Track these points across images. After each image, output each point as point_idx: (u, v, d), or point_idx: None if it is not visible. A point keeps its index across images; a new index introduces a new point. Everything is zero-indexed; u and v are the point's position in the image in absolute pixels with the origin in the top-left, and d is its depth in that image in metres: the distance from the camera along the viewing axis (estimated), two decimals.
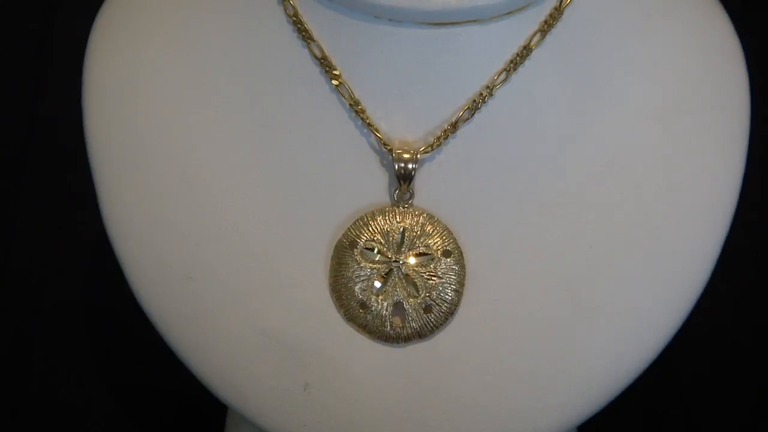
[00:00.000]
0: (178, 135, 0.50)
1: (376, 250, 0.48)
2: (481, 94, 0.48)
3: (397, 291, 0.48)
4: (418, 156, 0.48)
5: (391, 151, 0.48)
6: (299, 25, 0.49)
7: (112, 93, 0.51)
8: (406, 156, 0.48)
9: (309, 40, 0.49)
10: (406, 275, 0.48)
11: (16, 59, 0.85)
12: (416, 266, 0.48)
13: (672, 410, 0.71)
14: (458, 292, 0.48)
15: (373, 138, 0.48)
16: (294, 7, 0.49)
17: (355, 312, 0.48)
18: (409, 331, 0.48)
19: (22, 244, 0.70)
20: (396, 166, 0.48)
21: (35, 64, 0.85)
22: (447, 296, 0.48)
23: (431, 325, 0.48)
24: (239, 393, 0.49)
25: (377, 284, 0.48)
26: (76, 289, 0.68)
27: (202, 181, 0.49)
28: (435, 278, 0.48)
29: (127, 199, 0.50)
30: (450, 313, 0.48)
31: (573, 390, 0.49)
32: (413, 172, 0.48)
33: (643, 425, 0.70)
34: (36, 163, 0.75)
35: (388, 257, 0.48)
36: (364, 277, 0.48)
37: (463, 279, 0.48)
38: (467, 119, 0.48)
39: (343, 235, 0.48)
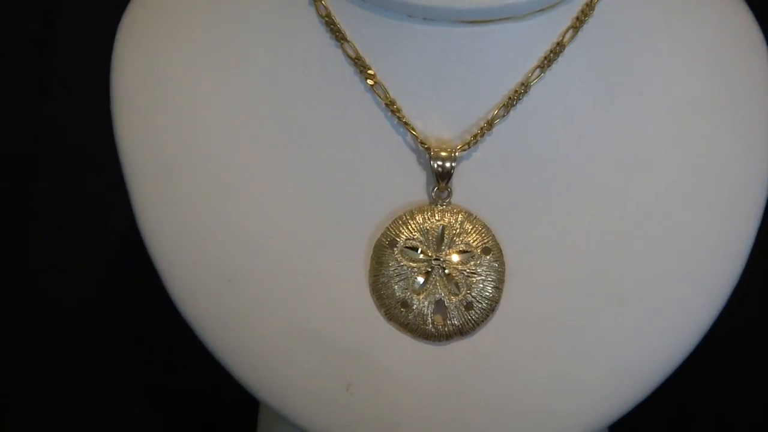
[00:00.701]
0: (211, 137, 0.50)
1: (416, 249, 0.48)
2: (516, 91, 0.48)
3: (438, 289, 0.48)
4: (456, 154, 0.48)
5: (428, 149, 0.48)
6: (332, 26, 0.49)
7: (142, 96, 0.51)
8: (444, 154, 0.48)
9: (342, 41, 0.49)
10: (447, 273, 0.48)
11: (17, 60, 0.85)
12: (457, 264, 0.48)
13: (701, 410, 0.71)
14: (498, 289, 0.48)
15: (409, 137, 0.49)
16: (326, 8, 0.49)
17: (396, 311, 0.48)
18: (451, 329, 0.48)
19: (40, 246, 0.70)
20: (434, 165, 0.48)
21: (37, 64, 0.86)
22: (487, 293, 0.48)
23: (472, 322, 0.48)
24: (280, 395, 0.49)
25: (418, 283, 0.48)
26: (96, 290, 0.68)
27: (238, 183, 0.49)
28: (475, 276, 0.48)
29: (161, 203, 0.50)
30: (491, 310, 0.48)
31: (612, 385, 0.49)
32: (452, 171, 0.48)
33: (673, 426, 0.70)
34: (49, 164, 0.75)
35: (428, 255, 0.48)
36: (405, 276, 0.48)
37: (503, 276, 0.48)
38: (503, 116, 0.48)
39: (383, 234, 0.48)
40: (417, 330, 0.48)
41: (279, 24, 0.50)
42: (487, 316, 0.48)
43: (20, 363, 0.63)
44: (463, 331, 0.48)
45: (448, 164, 0.48)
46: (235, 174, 0.49)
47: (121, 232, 0.69)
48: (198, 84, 0.50)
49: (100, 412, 0.61)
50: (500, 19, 0.48)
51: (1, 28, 0.87)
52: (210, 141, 0.50)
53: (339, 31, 0.49)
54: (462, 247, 0.48)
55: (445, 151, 0.48)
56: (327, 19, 0.49)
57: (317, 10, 0.49)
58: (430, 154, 0.48)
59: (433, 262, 0.48)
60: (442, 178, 0.48)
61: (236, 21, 0.51)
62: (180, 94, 0.50)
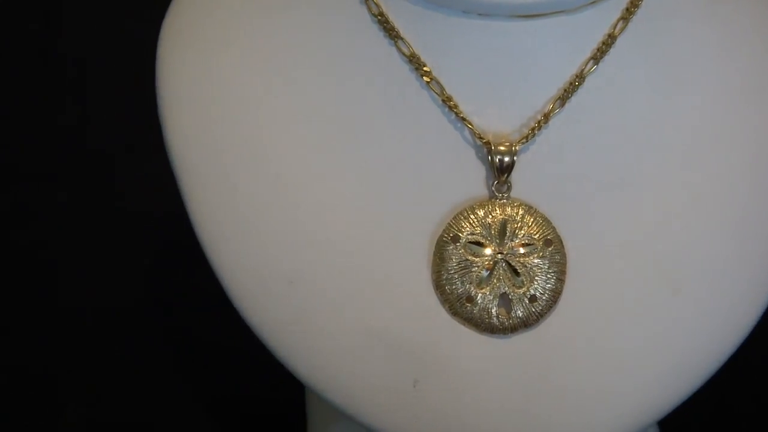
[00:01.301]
0: (267, 139, 0.50)
1: (479, 243, 0.48)
2: (571, 83, 0.49)
3: (502, 282, 0.48)
4: (516, 148, 0.48)
5: (488, 144, 0.48)
6: (385, 24, 0.49)
7: (192, 101, 0.51)
8: (503, 148, 0.48)
9: (396, 39, 0.49)
10: (511, 266, 0.48)
11: (18, 61, 0.85)
12: (520, 257, 0.48)
13: (748, 406, 0.71)
14: (561, 281, 0.49)
15: (467, 132, 0.49)
16: (378, 6, 0.49)
17: (460, 306, 0.48)
18: (515, 322, 0.48)
19: (77, 254, 0.70)
20: (495, 159, 0.48)
21: (40, 66, 0.86)
22: (550, 285, 0.48)
23: (536, 314, 0.48)
24: (347, 394, 0.49)
25: (482, 277, 0.48)
26: (141, 295, 0.68)
27: (297, 184, 0.49)
28: (538, 268, 0.48)
29: (218, 208, 0.50)
30: (553, 301, 0.49)
31: (672, 373, 0.50)
32: (512, 164, 0.48)
33: (719, 421, 0.70)
34: (74, 167, 0.75)
35: (491, 249, 0.48)
36: (469, 271, 0.48)
37: (564, 267, 0.49)
38: (559, 109, 0.49)
39: (445, 230, 0.48)
40: (482, 324, 0.48)
41: (330, 24, 0.50)
42: (550, 307, 0.49)
43: (69, 372, 0.62)
44: (527, 324, 0.49)
45: (507, 158, 0.48)
46: (294, 175, 0.49)
47: (159, 236, 0.69)
48: (251, 87, 0.50)
49: (147, 415, 0.61)
50: (553, 13, 0.48)
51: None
52: (266, 143, 0.50)
53: (393, 29, 0.49)
54: (524, 240, 0.48)
55: (504, 145, 0.48)
56: (380, 17, 0.49)
57: (369, 8, 0.49)
58: (490, 148, 0.48)
59: (496, 256, 0.48)
60: (503, 172, 0.48)
61: (286, 22, 0.51)
62: (233, 98, 0.50)
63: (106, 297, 0.67)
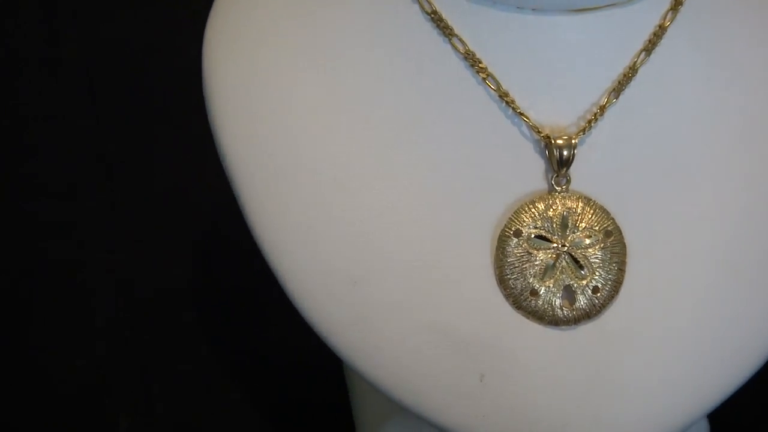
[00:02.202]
0: (322, 139, 0.50)
1: (541, 237, 0.49)
2: (625, 75, 0.49)
3: (565, 275, 0.49)
4: (575, 141, 0.49)
5: (547, 137, 0.49)
6: (439, 22, 0.49)
7: (243, 102, 0.51)
8: (561, 142, 0.48)
9: (450, 35, 0.49)
10: (573, 258, 0.49)
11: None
12: (582, 249, 0.49)
13: None
14: (621, 271, 0.49)
15: (524, 127, 0.49)
16: (431, 4, 0.49)
17: (524, 299, 0.49)
18: (579, 313, 0.49)
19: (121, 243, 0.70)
20: (555, 152, 0.48)
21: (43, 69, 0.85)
22: (612, 276, 0.49)
23: (599, 305, 0.49)
24: (414, 392, 0.49)
25: (545, 270, 0.49)
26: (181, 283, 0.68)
27: (355, 183, 0.49)
28: (600, 259, 0.49)
29: (275, 209, 0.49)
30: (615, 291, 0.49)
31: (732, 358, 0.50)
32: (572, 157, 0.48)
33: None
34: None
35: (553, 242, 0.49)
36: (532, 264, 0.49)
37: (625, 258, 0.49)
38: (613, 101, 0.49)
39: (506, 224, 0.49)
40: (545, 317, 0.49)
41: (382, 23, 0.50)
42: (612, 298, 0.49)
43: (122, 379, 0.62)
44: (590, 315, 0.49)
45: (566, 151, 0.48)
46: (351, 174, 0.49)
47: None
48: (304, 86, 0.50)
49: (199, 419, 0.61)
50: (606, 6, 0.49)
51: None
52: (321, 143, 0.50)
53: (447, 26, 0.49)
54: (585, 232, 0.49)
55: (562, 138, 0.49)
56: (433, 15, 0.49)
57: (421, 6, 0.49)
58: (549, 142, 0.49)
59: (559, 248, 0.49)
60: (562, 165, 0.49)
61: (337, 21, 0.51)
62: (286, 98, 0.50)
63: (152, 302, 0.67)
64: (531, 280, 0.49)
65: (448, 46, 0.49)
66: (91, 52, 0.87)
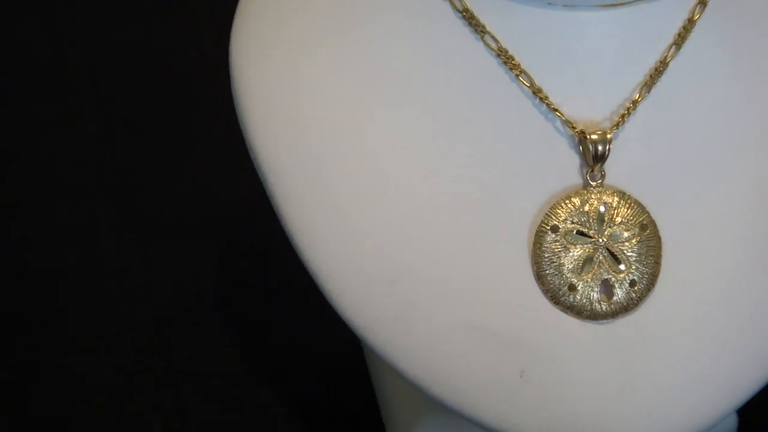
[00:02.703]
0: (357, 138, 0.50)
1: (577, 231, 0.49)
2: (657, 69, 0.50)
3: (602, 269, 0.49)
4: (610, 136, 0.49)
5: (582, 133, 0.49)
6: (471, 19, 0.49)
7: (276, 105, 0.51)
8: (596, 137, 0.49)
9: (483, 33, 0.49)
10: (610, 252, 0.49)
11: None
12: (618, 243, 0.49)
13: None
14: (657, 264, 0.49)
15: (558, 122, 0.49)
16: (462, 2, 0.49)
17: (562, 295, 0.49)
18: (617, 307, 0.49)
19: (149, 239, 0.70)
20: (590, 147, 0.49)
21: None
22: (648, 269, 0.49)
23: (636, 298, 0.49)
24: (453, 389, 0.49)
25: (583, 264, 0.49)
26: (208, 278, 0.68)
27: (391, 182, 0.49)
28: (636, 253, 0.49)
29: (312, 211, 0.49)
30: (651, 285, 0.49)
31: (763, 352, 0.50)
32: (607, 152, 0.49)
33: None
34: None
35: (590, 237, 0.49)
36: (569, 259, 0.49)
37: (660, 251, 0.49)
38: (645, 95, 0.49)
39: (543, 220, 0.49)
40: (583, 311, 0.49)
41: (414, 21, 0.50)
42: (648, 291, 0.49)
43: (151, 385, 0.62)
44: (627, 309, 0.49)
45: (601, 146, 0.49)
46: (387, 173, 0.49)
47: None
48: (336, 86, 0.50)
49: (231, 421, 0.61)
50: (635, 1, 0.49)
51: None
52: (356, 142, 0.50)
53: (479, 24, 0.49)
54: (622, 226, 0.49)
55: (597, 133, 0.49)
56: (464, 13, 0.49)
57: (453, 5, 0.50)
58: (584, 137, 0.49)
59: (595, 243, 0.49)
60: (597, 160, 0.49)
61: (368, 21, 0.51)
62: (319, 98, 0.50)
63: (176, 306, 0.67)
64: (569, 275, 0.49)
65: (481, 44, 0.50)
66: (94, 55, 0.87)
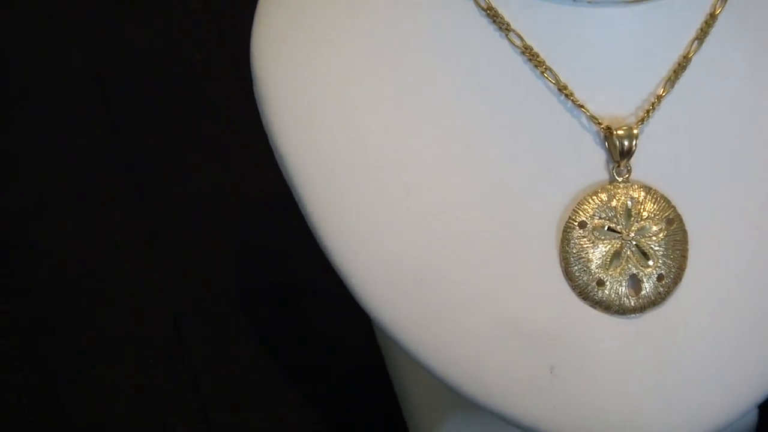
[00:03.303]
0: (383, 138, 0.50)
1: (605, 227, 0.49)
2: (680, 64, 0.50)
3: (630, 264, 0.49)
4: (636, 131, 0.49)
5: (608, 129, 0.49)
6: (495, 18, 0.49)
7: (301, 105, 0.51)
8: (622, 132, 0.49)
9: (507, 30, 0.49)
10: (638, 247, 0.49)
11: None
12: (645, 237, 0.49)
13: None
14: (684, 258, 0.50)
15: (584, 119, 0.49)
16: (486, 0, 0.49)
17: (590, 290, 0.49)
18: (645, 301, 0.49)
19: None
20: (616, 143, 0.49)
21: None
22: (675, 263, 0.49)
23: (664, 292, 0.49)
24: (485, 387, 0.49)
25: (611, 259, 0.49)
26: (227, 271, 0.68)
27: (418, 181, 0.49)
28: (663, 247, 0.49)
29: (339, 211, 0.50)
30: (678, 279, 0.50)
31: None
32: (633, 147, 0.49)
33: None
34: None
35: (618, 232, 0.49)
36: (597, 255, 0.49)
37: (687, 245, 0.50)
38: (669, 90, 0.50)
39: (570, 216, 0.49)
40: (612, 306, 0.49)
41: (437, 19, 0.50)
42: (676, 284, 0.50)
43: (175, 387, 0.62)
44: (655, 303, 0.49)
45: (627, 142, 0.49)
46: (413, 172, 0.49)
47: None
48: (361, 85, 0.50)
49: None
50: None
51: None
52: (382, 141, 0.50)
53: (503, 21, 0.49)
54: (649, 220, 0.49)
55: (623, 129, 0.49)
56: (488, 11, 0.50)
57: (477, 2, 0.50)
58: (610, 133, 0.49)
59: (623, 238, 0.49)
60: (623, 155, 0.49)
61: (390, 20, 0.51)
62: (344, 98, 0.50)
63: (196, 308, 0.67)
64: (597, 271, 0.49)
65: (505, 41, 0.50)
66: (98, 60, 0.87)
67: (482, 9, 0.50)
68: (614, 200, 0.49)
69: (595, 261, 0.49)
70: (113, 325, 0.64)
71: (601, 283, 0.49)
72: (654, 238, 0.49)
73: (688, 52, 0.50)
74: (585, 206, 0.49)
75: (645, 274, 0.49)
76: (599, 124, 0.49)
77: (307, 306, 0.66)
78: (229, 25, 0.91)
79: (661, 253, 0.49)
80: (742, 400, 0.51)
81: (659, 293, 0.49)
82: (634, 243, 0.49)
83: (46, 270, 0.68)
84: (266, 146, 0.80)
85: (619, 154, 0.49)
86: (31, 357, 0.62)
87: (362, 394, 0.62)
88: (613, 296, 0.49)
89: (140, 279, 0.68)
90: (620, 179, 0.49)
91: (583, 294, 0.49)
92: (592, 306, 0.49)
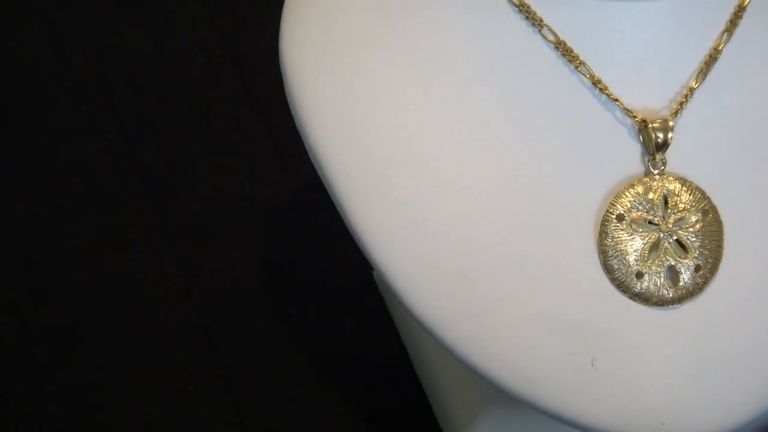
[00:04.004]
0: (420, 137, 0.50)
1: (643, 219, 0.49)
2: (711, 56, 0.50)
3: (668, 255, 0.49)
4: (671, 123, 0.49)
5: (643, 122, 0.49)
6: (528, 13, 0.50)
7: (334, 104, 0.51)
8: (656, 125, 0.49)
9: (540, 26, 0.50)
10: (675, 239, 0.50)
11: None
12: (682, 229, 0.50)
13: None
14: (720, 248, 0.50)
15: (618, 112, 0.50)
16: None
17: (629, 283, 0.49)
18: (682, 293, 0.50)
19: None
20: (652, 136, 0.49)
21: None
22: (712, 253, 0.50)
23: (701, 283, 0.50)
24: (527, 382, 0.49)
25: (649, 251, 0.49)
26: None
27: (455, 177, 0.49)
28: (700, 238, 0.50)
29: (378, 209, 0.50)
30: (715, 269, 0.50)
31: None
32: (669, 140, 0.49)
33: None
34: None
35: (655, 224, 0.49)
36: (635, 247, 0.49)
37: (722, 235, 0.50)
38: (701, 82, 0.50)
39: (607, 209, 0.49)
40: (650, 298, 0.50)
41: (470, 16, 0.50)
42: (712, 275, 0.50)
43: (207, 391, 0.62)
44: (692, 294, 0.50)
45: (662, 134, 0.49)
46: (451, 168, 0.49)
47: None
48: (396, 83, 0.50)
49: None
50: None
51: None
52: (418, 139, 0.50)
53: (536, 17, 0.50)
54: (685, 212, 0.50)
55: (658, 121, 0.49)
56: (521, 7, 0.50)
57: None
58: (645, 125, 0.49)
59: (661, 229, 0.50)
60: (659, 148, 0.50)
61: (422, 16, 0.51)
62: (379, 96, 0.50)
63: (222, 310, 0.66)
64: (635, 263, 0.49)
65: (539, 37, 0.50)
66: (102, 65, 0.86)
67: (515, 5, 0.50)
68: (651, 193, 0.50)
69: (633, 253, 0.49)
70: (141, 331, 0.64)
71: (639, 275, 0.49)
72: (691, 229, 0.50)
73: (719, 44, 0.50)
74: (622, 199, 0.49)
75: (683, 265, 0.50)
76: (634, 117, 0.50)
77: (333, 303, 0.66)
78: (229, 26, 0.91)
79: (698, 244, 0.50)
80: None
81: (697, 284, 0.50)
82: (671, 235, 0.50)
83: (69, 277, 0.68)
84: (275, 147, 0.80)
85: (655, 147, 0.49)
86: (64, 365, 0.62)
87: (394, 391, 0.62)
88: (651, 288, 0.49)
89: (163, 283, 0.67)
90: (655, 171, 0.50)
91: (622, 286, 0.49)
92: (630, 298, 0.49)
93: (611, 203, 0.49)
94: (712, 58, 0.50)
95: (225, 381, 0.61)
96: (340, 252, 0.68)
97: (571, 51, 0.50)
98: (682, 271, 0.50)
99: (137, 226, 0.71)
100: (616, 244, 0.49)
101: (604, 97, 0.50)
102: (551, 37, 0.50)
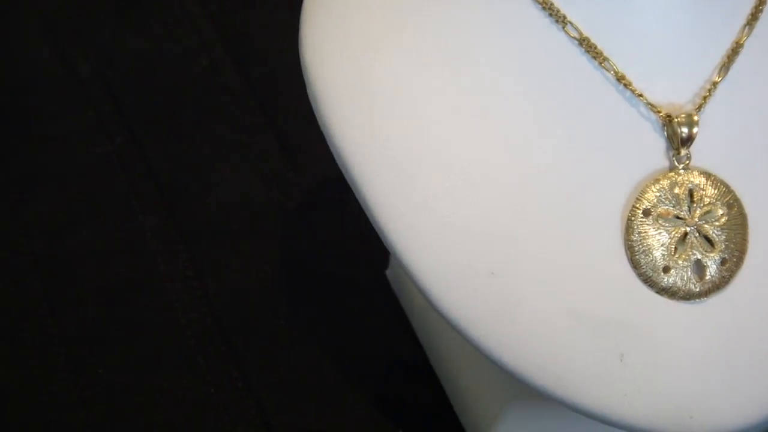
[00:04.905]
0: (444, 133, 0.50)
1: (669, 214, 0.50)
2: (733, 49, 0.51)
3: (695, 249, 0.50)
4: (696, 118, 0.50)
5: (668, 117, 0.50)
6: (551, 10, 0.50)
7: (358, 102, 0.51)
8: (681, 119, 0.50)
9: (563, 23, 0.50)
10: (701, 233, 0.50)
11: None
12: (708, 222, 0.50)
13: None
14: (745, 241, 0.50)
15: (642, 107, 0.50)
16: None
17: (656, 277, 0.49)
18: (709, 286, 0.50)
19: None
20: (677, 130, 0.49)
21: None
22: (737, 246, 0.50)
23: (727, 276, 0.50)
24: (557, 378, 0.49)
25: (676, 246, 0.50)
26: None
27: (482, 175, 0.50)
28: (726, 232, 0.50)
29: (405, 209, 0.50)
30: (740, 262, 0.50)
31: None
32: (694, 135, 0.49)
33: None
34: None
35: (681, 218, 0.50)
36: (662, 242, 0.50)
37: (747, 228, 0.50)
38: (724, 76, 0.50)
39: (633, 204, 0.50)
40: (677, 292, 0.50)
41: (493, 14, 0.51)
42: (738, 268, 0.50)
43: (229, 393, 0.62)
44: (719, 286, 0.50)
45: (685, 129, 0.50)
46: (478, 166, 0.50)
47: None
48: (421, 81, 0.50)
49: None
50: None
51: None
52: (445, 137, 0.50)
53: (559, 13, 0.50)
54: (710, 206, 0.50)
55: (682, 116, 0.50)
56: (544, 4, 0.50)
57: None
58: (669, 120, 0.50)
59: (687, 224, 0.50)
60: (684, 142, 0.50)
61: (444, 14, 0.51)
62: (404, 94, 0.50)
63: (239, 312, 0.66)
64: (662, 258, 0.50)
65: (562, 33, 0.50)
66: (106, 69, 0.86)
67: (537, 2, 0.50)
68: (676, 187, 0.50)
69: (660, 248, 0.49)
70: (160, 335, 0.64)
71: (666, 269, 0.49)
72: (716, 223, 0.50)
73: (740, 38, 0.51)
74: (647, 194, 0.50)
75: (709, 259, 0.50)
76: (658, 112, 0.50)
77: (350, 303, 0.66)
78: (229, 27, 0.91)
79: (723, 237, 0.50)
80: None
81: (723, 277, 0.50)
82: (697, 229, 0.50)
83: (86, 283, 0.67)
84: (282, 148, 0.80)
85: (680, 142, 0.50)
86: (84, 371, 0.62)
87: (415, 390, 0.62)
88: (678, 282, 0.50)
89: (180, 287, 0.67)
90: (680, 166, 0.50)
91: (649, 281, 0.50)
92: (657, 293, 0.50)
93: (637, 198, 0.50)
94: (735, 51, 0.51)
95: (246, 383, 0.61)
96: (355, 251, 0.68)
97: (595, 47, 0.50)
98: (709, 264, 0.50)
99: (151, 229, 0.71)
100: (643, 239, 0.49)
101: (628, 92, 0.50)
102: (574, 33, 0.50)
